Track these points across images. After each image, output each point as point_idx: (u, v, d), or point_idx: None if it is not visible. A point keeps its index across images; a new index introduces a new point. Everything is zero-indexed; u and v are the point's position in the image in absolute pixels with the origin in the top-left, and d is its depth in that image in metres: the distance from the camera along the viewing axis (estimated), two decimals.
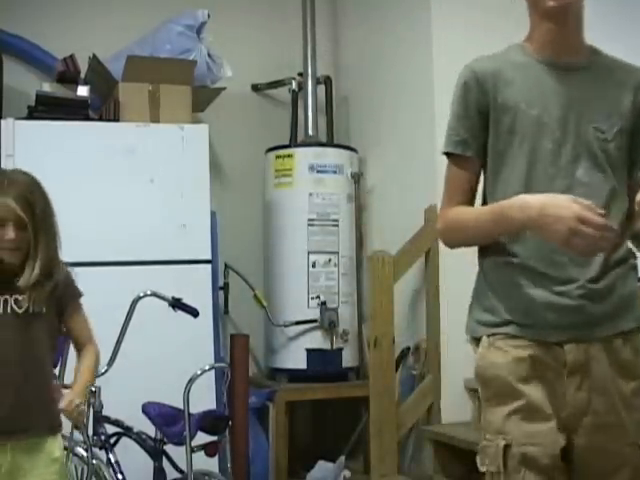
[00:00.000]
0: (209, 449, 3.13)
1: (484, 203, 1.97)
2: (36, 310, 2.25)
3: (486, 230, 1.89)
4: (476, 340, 1.93)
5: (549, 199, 1.74)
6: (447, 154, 1.97)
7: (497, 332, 1.87)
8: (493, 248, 1.91)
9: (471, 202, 1.96)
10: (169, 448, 3.13)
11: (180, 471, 3.11)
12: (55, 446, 2.27)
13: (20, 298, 2.23)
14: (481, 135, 1.92)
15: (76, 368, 2.38)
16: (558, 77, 1.91)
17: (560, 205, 1.71)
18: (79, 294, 2.41)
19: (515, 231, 1.85)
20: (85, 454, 2.95)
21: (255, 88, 5.05)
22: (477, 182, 1.97)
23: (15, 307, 2.23)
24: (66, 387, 2.37)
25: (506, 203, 1.84)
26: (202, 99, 4.38)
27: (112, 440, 3.13)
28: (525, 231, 1.83)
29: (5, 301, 2.23)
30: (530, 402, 1.81)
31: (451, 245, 2.01)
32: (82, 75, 4.27)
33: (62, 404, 2.21)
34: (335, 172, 4.57)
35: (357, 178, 4.65)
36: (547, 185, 1.85)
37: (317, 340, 4.45)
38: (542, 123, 1.88)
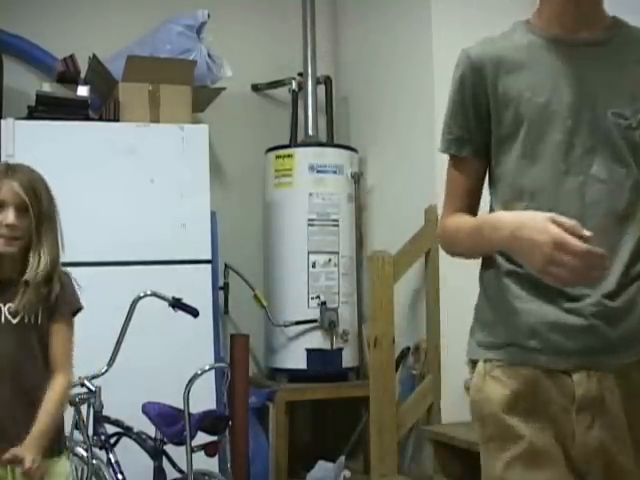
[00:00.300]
0: (209, 449, 3.13)
1: (491, 208, 1.75)
2: (31, 320, 2.13)
3: (468, 247, 1.71)
4: (474, 363, 1.71)
5: (526, 219, 1.51)
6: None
7: (495, 357, 1.65)
8: (495, 257, 1.67)
9: (471, 207, 1.74)
10: (169, 448, 3.13)
11: (180, 471, 3.11)
12: (60, 468, 2.16)
13: (13, 305, 2.12)
14: (479, 132, 1.69)
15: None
16: (569, 56, 1.64)
17: (535, 227, 1.46)
18: (74, 305, 2.23)
19: (492, 251, 1.65)
20: (85, 454, 2.96)
21: (255, 88, 5.04)
22: (477, 184, 1.74)
23: (9, 317, 2.12)
24: None
25: (484, 219, 1.65)
26: (202, 99, 4.38)
27: (112, 440, 3.13)
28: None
29: None
30: (533, 444, 1.58)
31: (450, 255, 1.79)
32: (82, 75, 4.26)
33: (25, 466, 1.99)
34: (335, 172, 4.57)
35: (357, 178, 4.65)
36: (556, 184, 1.61)
37: (317, 340, 4.44)
38: (551, 111, 1.62)
